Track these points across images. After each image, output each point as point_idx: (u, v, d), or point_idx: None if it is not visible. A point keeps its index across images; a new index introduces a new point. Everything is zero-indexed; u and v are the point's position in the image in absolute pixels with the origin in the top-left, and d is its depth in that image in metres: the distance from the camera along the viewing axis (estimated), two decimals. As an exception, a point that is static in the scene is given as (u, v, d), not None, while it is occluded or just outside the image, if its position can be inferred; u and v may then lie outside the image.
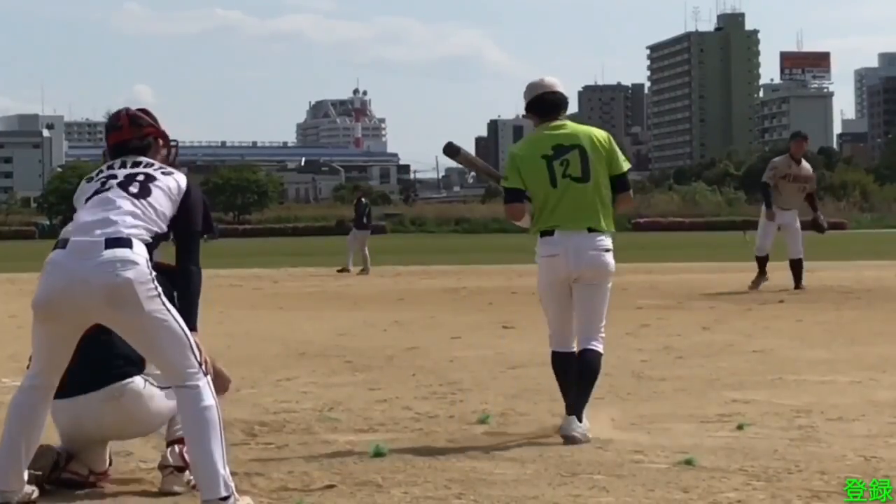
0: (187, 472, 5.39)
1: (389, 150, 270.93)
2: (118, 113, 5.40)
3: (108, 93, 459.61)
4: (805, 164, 17.21)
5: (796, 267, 17.13)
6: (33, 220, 75.26)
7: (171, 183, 5.17)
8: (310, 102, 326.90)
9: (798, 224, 17.09)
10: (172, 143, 5.48)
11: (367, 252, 25.97)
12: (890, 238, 41.65)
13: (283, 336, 12.36)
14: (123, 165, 5.25)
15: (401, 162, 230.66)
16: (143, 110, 5.45)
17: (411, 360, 10.16)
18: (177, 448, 5.46)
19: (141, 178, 5.15)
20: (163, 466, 5.52)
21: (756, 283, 17.23)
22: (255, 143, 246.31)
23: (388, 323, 13.54)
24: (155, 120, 5.45)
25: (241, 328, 13.05)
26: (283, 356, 10.65)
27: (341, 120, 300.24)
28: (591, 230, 6.66)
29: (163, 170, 5.24)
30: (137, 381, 5.47)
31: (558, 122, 6.83)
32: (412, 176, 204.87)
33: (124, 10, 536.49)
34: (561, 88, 6.90)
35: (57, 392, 5.30)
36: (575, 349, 6.79)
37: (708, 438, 6.52)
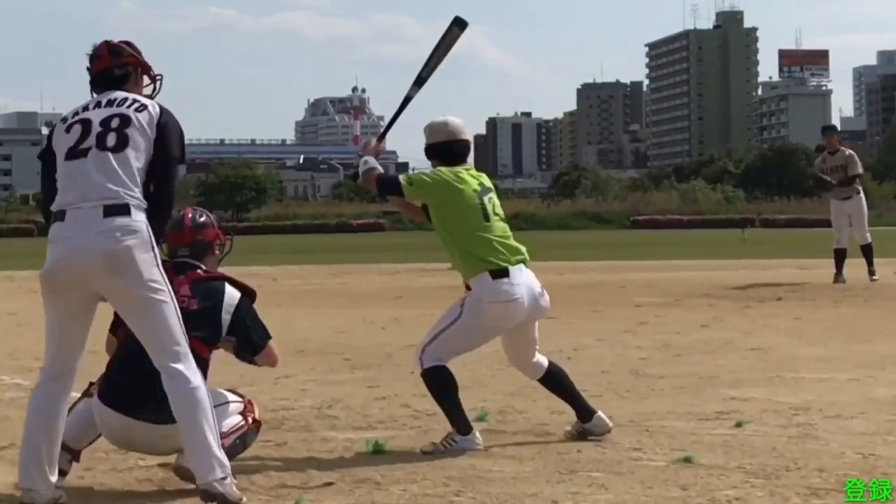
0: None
1: (388, 147, 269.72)
2: (99, 44, 5.30)
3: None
4: (841, 152, 17.88)
5: (866, 253, 17.90)
6: (32, 218, 75.17)
7: (144, 117, 5.07)
8: (308, 100, 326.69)
9: (862, 210, 17.85)
10: (157, 77, 5.35)
11: None
12: (888, 235, 41.64)
13: (281, 333, 12.23)
14: (98, 105, 5.15)
15: (399, 160, 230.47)
16: (127, 42, 5.35)
17: (410, 358, 10.10)
18: None
19: (116, 122, 5.04)
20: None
21: (835, 279, 17.74)
22: (253, 141, 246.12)
23: (387, 320, 13.53)
24: (138, 52, 5.34)
25: (240, 326, 13.00)
26: (282, 353, 10.53)
27: (340, 118, 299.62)
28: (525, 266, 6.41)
29: (136, 105, 5.12)
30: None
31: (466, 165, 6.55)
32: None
33: (118, 8, 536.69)
34: (468, 135, 6.63)
35: (106, 395, 5.32)
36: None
37: (706, 436, 6.53)
